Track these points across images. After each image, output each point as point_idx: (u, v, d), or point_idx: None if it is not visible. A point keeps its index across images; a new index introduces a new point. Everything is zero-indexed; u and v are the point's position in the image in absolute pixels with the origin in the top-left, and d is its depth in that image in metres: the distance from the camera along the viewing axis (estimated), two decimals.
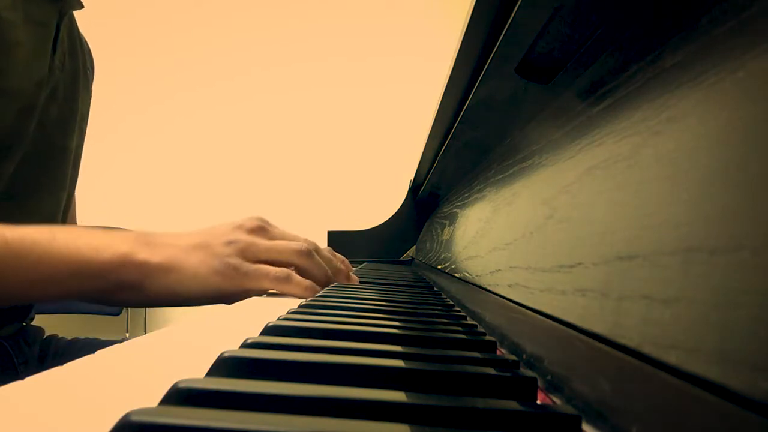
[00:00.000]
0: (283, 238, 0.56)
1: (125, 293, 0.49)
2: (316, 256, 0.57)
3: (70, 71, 0.72)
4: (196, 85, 2.30)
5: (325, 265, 0.58)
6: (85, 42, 0.83)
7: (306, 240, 0.58)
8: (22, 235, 0.47)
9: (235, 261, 0.51)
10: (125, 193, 2.28)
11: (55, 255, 0.47)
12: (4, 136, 0.62)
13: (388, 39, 2.28)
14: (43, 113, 0.66)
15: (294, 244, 0.55)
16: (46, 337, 0.84)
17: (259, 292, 0.52)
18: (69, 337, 0.87)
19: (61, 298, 0.50)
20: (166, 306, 0.53)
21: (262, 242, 0.53)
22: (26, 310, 0.76)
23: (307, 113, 2.29)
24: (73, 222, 0.90)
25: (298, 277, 0.53)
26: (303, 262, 0.55)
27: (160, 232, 0.52)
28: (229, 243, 0.51)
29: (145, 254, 0.49)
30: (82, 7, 0.73)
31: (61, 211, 0.74)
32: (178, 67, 2.30)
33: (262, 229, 0.54)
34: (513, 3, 0.34)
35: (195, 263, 0.50)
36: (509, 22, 0.36)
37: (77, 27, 0.77)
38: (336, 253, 0.72)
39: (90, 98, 0.83)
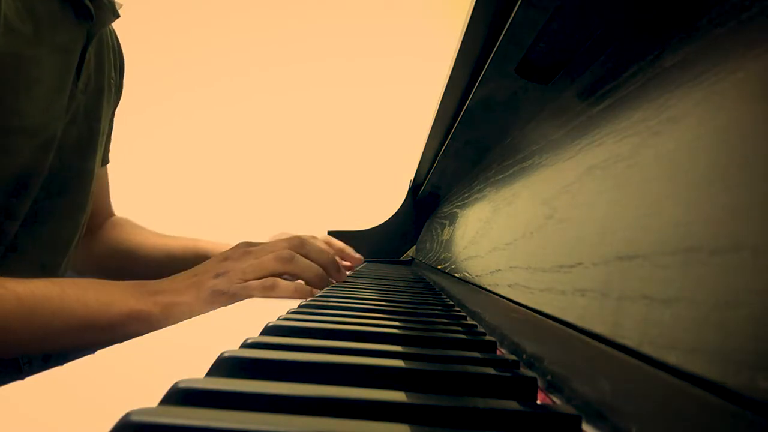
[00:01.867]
0: (266, 250, 0.59)
1: (137, 335, 0.54)
2: (300, 259, 0.59)
3: (94, 91, 0.69)
4: (195, 85, 2.30)
5: (312, 264, 0.60)
6: (115, 40, 0.79)
7: (290, 242, 0.61)
8: (32, 291, 0.50)
9: (223, 287, 0.56)
10: (125, 193, 2.28)
11: (66, 310, 0.51)
12: (23, 173, 0.60)
13: (388, 39, 2.28)
14: (61, 138, 0.63)
15: (272, 258, 0.58)
16: None
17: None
18: None
19: (75, 349, 0.54)
20: None
21: (246, 264, 0.57)
22: None
23: (307, 113, 2.29)
24: (106, 211, 0.90)
25: (284, 282, 0.57)
26: (287, 269, 0.58)
27: (159, 281, 0.57)
28: (216, 275, 0.56)
29: (148, 305, 0.54)
30: (118, 16, 0.68)
31: (78, 235, 0.71)
32: (177, 68, 2.30)
33: (246, 253, 0.59)
34: (513, 3, 0.34)
35: (188, 302, 0.55)
36: (509, 22, 0.36)
37: (110, 38, 0.72)
38: (334, 243, 0.72)
39: (112, 103, 0.79)
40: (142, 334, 0.53)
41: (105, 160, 0.84)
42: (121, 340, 0.53)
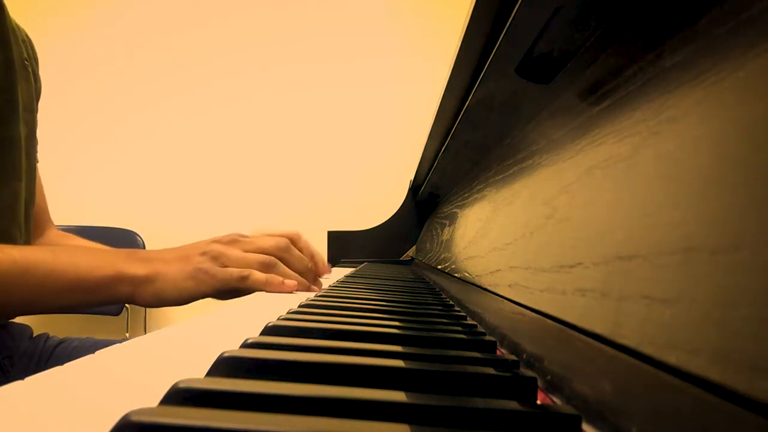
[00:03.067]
0: (254, 244, 0.63)
1: (121, 301, 0.59)
2: (281, 267, 0.63)
3: (2, 62, 0.71)
4: (195, 85, 2.30)
5: (290, 272, 0.64)
6: (24, 33, 0.82)
7: (277, 245, 0.64)
8: (27, 255, 0.55)
9: (206, 266, 0.59)
10: (125, 193, 2.28)
11: (58, 272, 0.55)
12: None
13: (388, 39, 2.28)
14: None
15: (257, 259, 0.61)
16: (36, 335, 0.84)
17: (230, 291, 0.61)
18: (63, 337, 0.86)
19: (63, 310, 0.58)
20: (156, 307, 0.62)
21: (232, 252, 0.61)
22: None
23: (307, 113, 2.29)
24: (44, 215, 0.89)
25: (257, 274, 0.60)
26: (267, 271, 0.61)
27: (148, 250, 0.61)
28: (203, 253, 0.60)
29: (134, 269, 0.58)
30: None
31: (20, 202, 0.72)
32: (177, 68, 2.30)
33: (234, 241, 0.63)
34: (513, 3, 0.34)
35: (173, 272, 0.59)
36: (509, 22, 0.36)
37: (10, 19, 0.75)
38: (314, 253, 0.75)
39: (33, 88, 0.81)
40: (127, 299, 0.58)
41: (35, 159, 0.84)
42: (109, 303, 0.57)
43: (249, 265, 0.60)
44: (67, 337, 0.86)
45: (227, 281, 0.59)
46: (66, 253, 0.58)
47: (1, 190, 0.70)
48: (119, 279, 0.57)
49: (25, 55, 0.79)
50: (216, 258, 0.60)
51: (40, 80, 0.85)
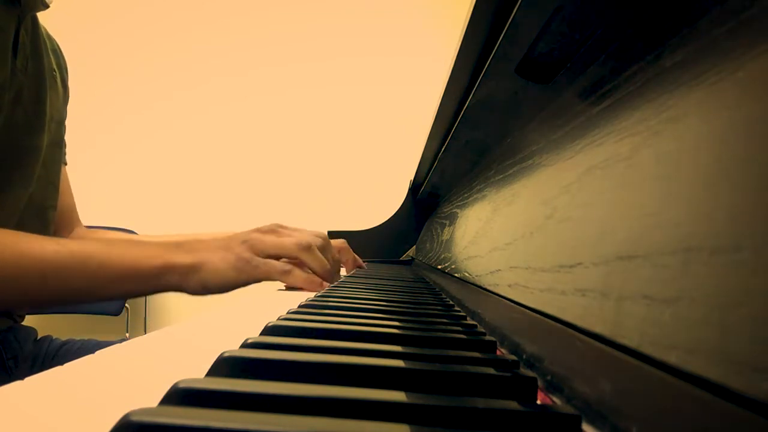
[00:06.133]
0: (292, 234, 0.67)
1: (169, 289, 0.63)
2: (316, 252, 0.66)
3: (34, 75, 0.72)
4: (195, 85, 2.30)
5: (323, 260, 0.67)
6: (55, 43, 0.83)
7: (312, 235, 0.68)
8: (84, 247, 0.60)
9: (247, 255, 0.62)
10: (125, 194, 2.28)
11: (115, 261, 0.60)
12: None
13: (389, 39, 2.28)
14: (9, 117, 0.66)
15: (294, 240, 0.65)
16: (40, 338, 0.84)
17: (269, 280, 0.64)
18: (66, 338, 0.87)
19: (117, 297, 0.63)
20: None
21: (269, 239, 0.64)
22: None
23: (307, 113, 2.29)
24: (73, 215, 0.91)
25: (298, 270, 0.64)
26: (302, 256, 0.65)
27: (194, 240, 0.66)
28: (244, 242, 0.63)
29: (182, 258, 0.62)
30: (47, 7, 0.72)
31: (21, 206, 0.73)
32: (177, 67, 2.30)
33: (272, 230, 0.66)
34: (513, 3, 0.34)
35: (217, 260, 0.62)
36: (509, 22, 0.36)
37: (42, 29, 0.77)
38: (340, 252, 0.78)
39: (62, 98, 0.82)
40: (175, 287, 0.62)
41: (63, 161, 0.86)
42: (159, 291, 0.62)
43: (285, 248, 0.64)
44: (70, 338, 0.87)
45: (269, 273, 0.63)
46: (119, 245, 0.63)
47: (7, 196, 0.71)
48: (169, 268, 0.61)
49: (55, 66, 0.80)
50: (254, 246, 0.63)
51: (68, 89, 0.87)
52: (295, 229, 0.68)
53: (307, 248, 0.65)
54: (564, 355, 0.24)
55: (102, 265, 0.59)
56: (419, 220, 1.39)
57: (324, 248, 0.68)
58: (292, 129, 2.29)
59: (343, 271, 0.96)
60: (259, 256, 0.63)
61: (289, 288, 0.67)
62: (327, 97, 2.29)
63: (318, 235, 0.69)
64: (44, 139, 0.75)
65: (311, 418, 0.16)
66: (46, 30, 0.80)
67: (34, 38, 0.73)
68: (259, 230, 0.66)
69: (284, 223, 0.68)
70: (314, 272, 0.66)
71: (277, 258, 0.64)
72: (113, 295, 0.62)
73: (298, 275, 0.64)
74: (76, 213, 0.92)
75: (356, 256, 1.02)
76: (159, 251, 0.62)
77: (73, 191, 0.92)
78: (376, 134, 2.26)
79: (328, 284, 0.67)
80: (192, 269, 0.61)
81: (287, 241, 0.65)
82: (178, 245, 0.64)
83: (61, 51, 0.85)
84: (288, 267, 0.63)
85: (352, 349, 0.25)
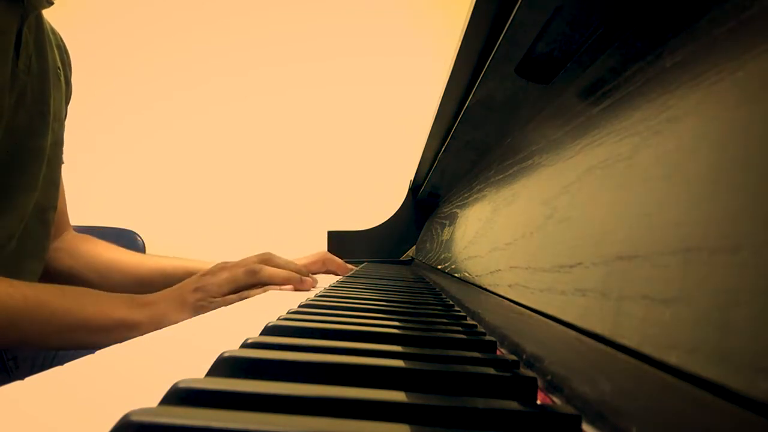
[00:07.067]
0: (238, 264, 0.69)
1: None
2: (266, 269, 0.68)
3: (38, 74, 0.71)
4: (195, 85, 2.30)
5: (278, 270, 0.69)
6: (59, 38, 0.82)
7: (259, 257, 0.71)
8: (37, 293, 0.58)
9: (202, 302, 0.63)
10: (125, 194, 2.28)
11: (65, 311, 0.58)
12: None
13: (388, 39, 2.28)
14: (11, 119, 0.66)
15: (242, 269, 0.67)
16: None
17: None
18: None
19: (66, 348, 0.63)
20: None
21: (221, 278, 0.66)
22: None
23: (306, 113, 2.29)
24: (63, 218, 0.89)
25: (253, 291, 0.66)
26: (256, 279, 0.67)
27: (147, 295, 0.65)
28: (196, 290, 0.65)
29: (136, 315, 0.61)
30: (51, 4, 0.71)
31: (30, 210, 0.73)
32: (176, 67, 2.30)
33: (221, 269, 0.68)
34: (513, 3, 0.34)
35: (172, 313, 0.62)
36: (509, 22, 0.36)
37: (47, 24, 0.75)
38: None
39: (65, 95, 0.81)
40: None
41: (61, 160, 0.85)
42: (108, 345, 0.59)
43: (237, 280, 0.66)
44: None
45: (229, 301, 0.63)
46: (73, 293, 0.61)
47: (15, 201, 0.70)
48: (122, 325, 0.60)
49: (59, 63, 0.79)
50: (208, 290, 0.65)
51: (71, 86, 0.86)
52: (239, 261, 0.70)
53: (257, 271, 0.67)
54: (564, 355, 0.24)
55: (54, 314, 0.57)
56: (419, 220, 1.39)
57: (269, 261, 0.70)
58: (292, 129, 2.29)
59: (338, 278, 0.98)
60: (215, 297, 0.64)
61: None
62: (327, 97, 2.29)
63: (260, 257, 0.71)
64: (48, 140, 0.74)
65: (311, 418, 0.16)
66: (50, 25, 0.78)
67: (38, 36, 0.72)
68: (207, 273, 0.67)
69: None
70: (278, 284, 0.68)
71: (235, 292, 0.66)
72: (66, 345, 0.61)
73: (255, 292, 0.65)
74: (67, 216, 0.92)
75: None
76: (115, 304, 0.61)
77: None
78: (376, 134, 2.26)
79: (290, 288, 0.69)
80: (148, 326, 0.59)
81: (238, 272, 0.66)
82: (133, 299, 0.63)
83: (65, 46, 0.84)
84: (244, 294, 0.65)
85: (352, 349, 0.25)
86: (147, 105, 2.30)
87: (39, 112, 0.72)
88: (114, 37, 2.28)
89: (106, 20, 2.29)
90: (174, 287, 0.66)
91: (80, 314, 0.58)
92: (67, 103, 0.84)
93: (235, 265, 0.69)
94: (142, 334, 0.58)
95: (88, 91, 2.26)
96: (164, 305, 0.63)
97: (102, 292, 0.64)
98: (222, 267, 0.69)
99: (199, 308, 0.62)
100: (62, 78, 0.79)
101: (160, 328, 0.58)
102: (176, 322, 0.59)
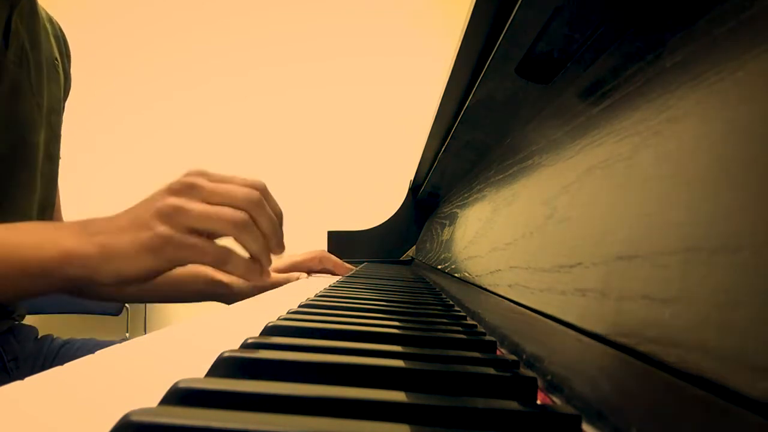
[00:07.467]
0: (220, 193, 0.49)
1: (85, 287, 0.49)
2: (254, 231, 0.49)
3: (33, 66, 0.68)
4: (195, 84, 2.30)
5: (260, 238, 0.50)
6: (57, 27, 0.79)
7: (249, 198, 0.49)
8: None
9: (165, 232, 0.46)
10: (125, 193, 2.28)
11: (1, 254, 0.46)
12: None
13: (388, 39, 2.28)
14: (7, 112, 0.63)
15: (228, 216, 0.48)
16: (41, 336, 0.84)
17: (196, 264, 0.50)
18: (67, 338, 0.86)
19: (22, 297, 0.50)
20: (137, 293, 0.56)
21: (195, 207, 0.47)
22: (12, 308, 0.75)
23: (307, 113, 2.29)
24: (57, 215, 0.86)
25: (237, 257, 0.49)
26: (239, 238, 0.49)
27: (100, 218, 0.50)
28: (158, 212, 0.47)
29: (85, 247, 0.47)
30: None
31: (35, 209, 0.71)
32: (177, 67, 2.30)
33: (193, 187, 0.48)
34: (513, 3, 0.34)
35: (126, 245, 0.47)
36: (509, 22, 0.36)
37: (42, 13, 0.72)
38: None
39: (62, 88, 0.78)
40: (86, 283, 0.47)
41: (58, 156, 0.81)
42: (63, 286, 0.47)
43: (218, 225, 0.47)
44: (70, 338, 0.86)
45: (197, 257, 0.48)
46: (10, 230, 0.48)
47: (23, 197, 0.69)
48: (66, 260, 0.46)
49: (56, 54, 0.76)
50: (171, 217, 0.47)
51: (70, 78, 0.82)
52: (220, 183, 0.49)
53: (245, 227, 0.48)
54: (564, 355, 0.24)
55: None
56: (419, 220, 1.39)
57: (261, 211, 0.50)
58: (292, 129, 2.29)
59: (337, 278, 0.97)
60: (178, 229, 0.47)
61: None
62: (327, 97, 2.29)
63: (251, 193, 0.50)
64: (43, 134, 0.72)
65: (311, 418, 0.16)
66: (47, 14, 0.75)
67: (31, 25, 0.68)
68: (174, 190, 0.48)
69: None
70: (252, 254, 0.50)
71: (207, 234, 0.48)
72: (13, 294, 0.49)
73: (238, 263, 0.49)
74: (60, 213, 0.88)
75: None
76: (56, 237, 0.47)
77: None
78: (376, 134, 2.26)
79: (268, 273, 0.52)
80: (100, 260, 0.46)
81: (221, 214, 0.47)
82: (80, 226, 0.49)
83: (64, 37, 0.81)
84: (224, 251, 0.48)
85: (353, 349, 0.25)
86: (147, 105, 2.30)
87: (35, 104, 0.69)
88: (114, 36, 2.28)
89: (106, 20, 2.29)
90: (133, 207, 0.50)
91: (18, 256, 0.46)
92: (66, 96, 0.82)
93: (215, 190, 0.49)
94: (95, 271, 0.46)
95: (88, 91, 2.27)
96: (119, 232, 0.48)
97: (47, 223, 0.50)
98: (193, 184, 0.49)
99: (159, 239, 0.46)
100: (60, 70, 0.77)
101: (114, 264, 0.46)
102: (130, 259, 0.46)
